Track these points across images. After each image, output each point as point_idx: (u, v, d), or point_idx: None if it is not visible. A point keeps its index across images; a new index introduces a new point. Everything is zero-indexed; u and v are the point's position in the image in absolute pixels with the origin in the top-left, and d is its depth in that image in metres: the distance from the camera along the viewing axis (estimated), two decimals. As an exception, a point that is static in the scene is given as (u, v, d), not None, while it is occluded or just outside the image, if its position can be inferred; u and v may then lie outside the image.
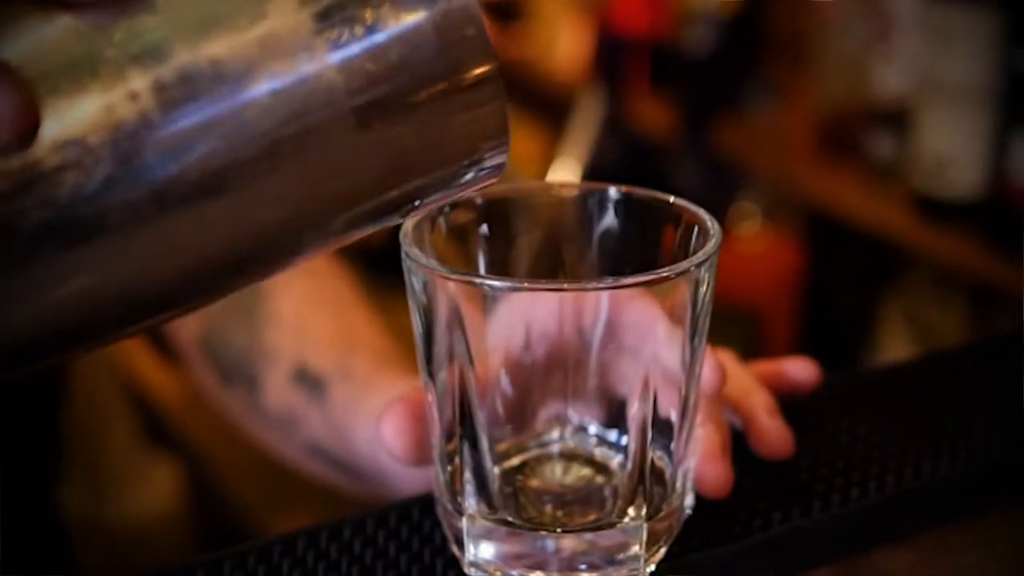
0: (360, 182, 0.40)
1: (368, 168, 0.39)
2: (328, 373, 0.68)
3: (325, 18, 0.38)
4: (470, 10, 0.39)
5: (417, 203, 0.42)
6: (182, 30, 0.37)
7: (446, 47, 0.39)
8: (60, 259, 0.36)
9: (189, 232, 0.37)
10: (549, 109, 1.90)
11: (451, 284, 0.47)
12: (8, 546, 0.81)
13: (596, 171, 1.75)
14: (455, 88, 0.39)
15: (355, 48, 0.38)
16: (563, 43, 2.03)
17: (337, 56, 0.38)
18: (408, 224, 0.48)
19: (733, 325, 1.68)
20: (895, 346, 1.53)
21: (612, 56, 1.81)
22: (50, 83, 0.36)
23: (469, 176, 0.42)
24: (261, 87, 0.37)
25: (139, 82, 0.36)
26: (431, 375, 0.49)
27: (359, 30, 0.38)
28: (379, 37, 0.38)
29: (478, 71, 0.40)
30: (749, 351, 1.60)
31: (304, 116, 0.38)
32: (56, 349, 0.40)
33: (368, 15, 0.38)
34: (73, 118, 0.36)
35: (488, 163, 0.42)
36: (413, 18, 0.38)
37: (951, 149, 1.35)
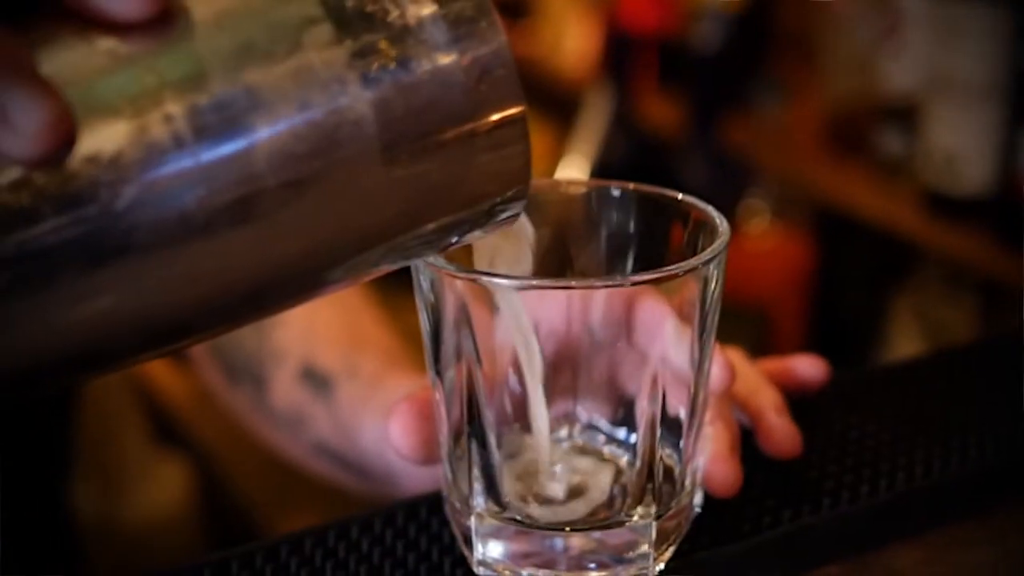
0: (383, 218, 0.40)
1: (391, 204, 0.40)
2: (335, 372, 0.68)
3: (360, 53, 0.38)
4: (502, 53, 0.39)
5: (435, 244, 0.42)
6: (219, 57, 0.37)
7: (476, 89, 0.39)
8: (84, 278, 0.36)
9: (212, 258, 0.38)
10: (557, 106, 1.90)
11: (459, 282, 0.46)
12: (19, 545, 0.81)
13: (604, 168, 1.75)
14: (481, 129, 0.40)
15: (387, 84, 0.38)
16: (571, 40, 2.02)
17: (369, 92, 0.38)
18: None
19: (742, 322, 1.67)
20: (905, 343, 1.52)
21: (620, 53, 1.81)
22: (85, 101, 0.36)
23: (486, 219, 0.42)
24: (293, 118, 0.37)
25: (174, 106, 0.36)
26: (439, 374, 0.49)
27: (392, 67, 0.38)
28: (411, 75, 0.38)
29: (505, 114, 0.40)
30: (758, 349, 1.60)
31: (333, 148, 0.38)
32: (71, 371, 0.40)
33: (402, 53, 0.38)
34: (107, 137, 0.36)
35: (505, 206, 0.42)
36: (445, 59, 0.39)
37: (960, 145, 1.35)
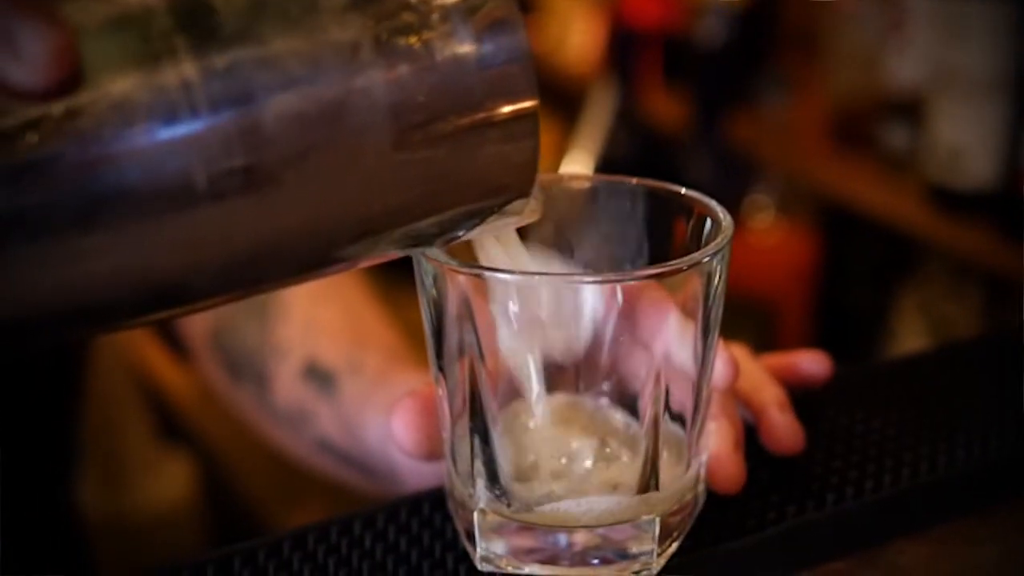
0: (386, 201, 0.40)
1: (396, 188, 0.39)
2: (338, 368, 0.68)
3: (380, 35, 0.38)
4: (521, 46, 0.39)
5: (435, 235, 0.42)
6: (240, 20, 0.37)
7: (491, 79, 0.39)
8: (83, 227, 0.36)
9: (210, 223, 0.37)
10: (561, 102, 1.90)
11: (461, 277, 0.46)
12: (24, 540, 0.81)
13: (608, 164, 1.74)
14: (492, 120, 0.40)
15: (404, 68, 0.38)
16: (575, 36, 2.02)
17: (386, 74, 0.38)
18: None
19: (747, 318, 1.67)
20: (910, 338, 1.52)
21: (624, 49, 1.81)
22: (94, 42, 0.35)
23: (488, 212, 0.42)
24: (304, 79, 0.37)
25: (185, 54, 0.36)
26: (441, 369, 0.49)
27: (408, 42, 0.38)
28: (428, 54, 0.38)
29: (518, 107, 0.40)
30: (763, 344, 1.60)
31: (342, 126, 0.38)
32: (67, 326, 0.39)
33: (420, 29, 0.38)
34: (115, 78, 0.35)
35: (509, 201, 0.42)
36: (464, 44, 0.39)
37: (965, 140, 1.35)
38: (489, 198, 0.42)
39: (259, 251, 0.39)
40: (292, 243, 0.39)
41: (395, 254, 0.43)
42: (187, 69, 0.36)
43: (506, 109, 0.40)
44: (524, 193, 0.42)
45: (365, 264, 0.43)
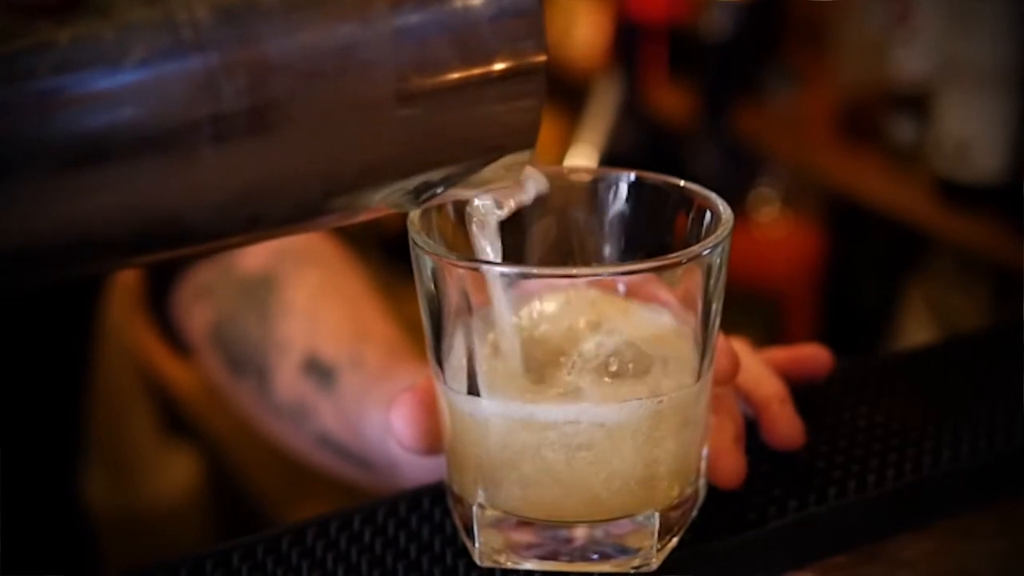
0: (387, 150, 0.40)
1: (394, 139, 0.39)
2: (339, 363, 0.68)
3: None
4: (531, 4, 0.39)
5: (431, 190, 0.42)
6: None
7: (501, 33, 0.39)
8: (86, 156, 0.36)
9: (212, 160, 0.37)
10: (567, 95, 1.89)
11: (459, 271, 0.46)
12: (30, 534, 0.82)
13: (613, 158, 1.74)
14: (499, 75, 0.39)
15: (414, 18, 0.38)
16: (581, 29, 2.02)
17: (395, 21, 0.38)
18: (416, 211, 0.47)
19: (754, 311, 1.67)
20: (917, 331, 1.51)
21: (630, 42, 1.80)
22: None
23: (487, 169, 0.42)
24: (313, 36, 0.37)
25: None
26: (440, 364, 0.48)
27: (422, 2, 0.38)
28: (440, 13, 0.38)
29: (525, 63, 0.40)
30: (769, 338, 1.60)
31: (348, 73, 0.38)
32: (64, 263, 0.39)
33: None
34: (124, 9, 0.35)
35: (509, 160, 0.41)
36: (476, 1, 0.38)
37: (973, 132, 1.34)
38: (487, 154, 0.41)
39: (258, 190, 0.39)
40: (294, 183, 0.39)
41: (390, 208, 0.42)
42: (196, 6, 0.36)
43: (513, 66, 0.39)
44: (529, 145, 0.41)
45: (360, 219, 0.43)
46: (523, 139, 0.41)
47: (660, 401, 0.46)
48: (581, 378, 0.47)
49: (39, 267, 0.38)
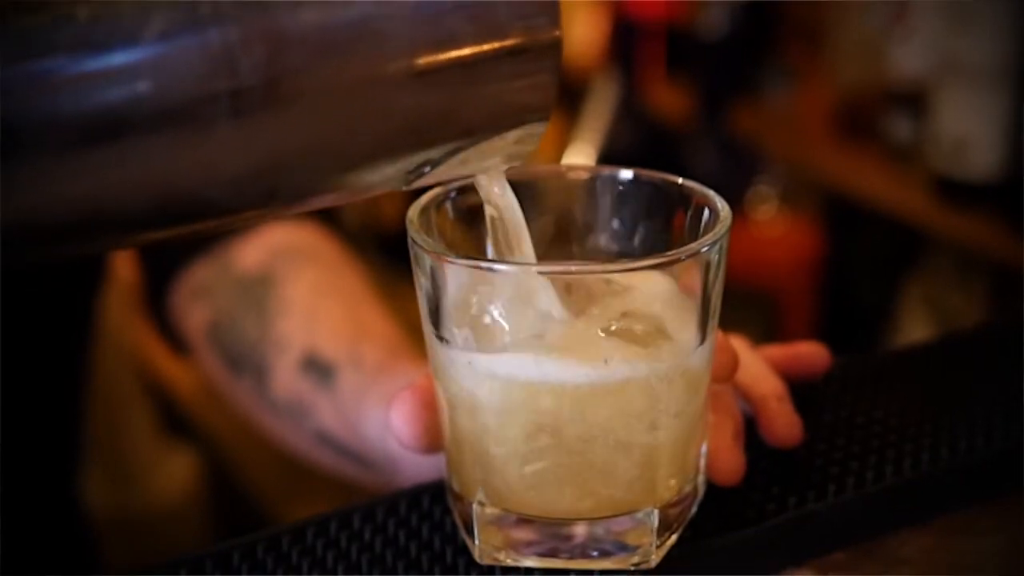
0: (399, 126, 0.40)
1: (409, 113, 0.39)
2: (338, 361, 0.68)
3: None
4: None
5: (438, 166, 0.42)
6: None
7: (516, 9, 0.39)
8: (106, 129, 0.36)
9: (230, 133, 0.37)
10: (564, 94, 1.89)
11: (458, 269, 0.46)
12: (30, 534, 0.82)
13: (611, 156, 1.74)
14: (513, 51, 0.39)
15: None
16: (578, 27, 2.02)
17: None
18: (414, 209, 0.47)
19: (752, 309, 1.67)
20: (915, 329, 1.52)
21: (627, 40, 1.80)
22: None
23: (497, 147, 0.42)
24: (329, 11, 0.37)
25: None
26: (439, 360, 0.48)
27: None
28: None
29: (540, 39, 0.40)
30: (768, 335, 1.60)
31: (364, 47, 0.38)
32: (86, 235, 0.39)
33: None
34: None
35: (520, 137, 0.42)
36: None
37: (970, 130, 1.34)
38: (498, 130, 0.41)
39: (274, 164, 0.39)
40: (310, 157, 0.39)
41: (400, 183, 0.43)
42: None
43: (528, 43, 0.40)
44: (537, 126, 0.42)
45: (375, 192, 0.42)
46: (537, 115, 0.41)
47: (661, 377, 0.46)
48: (580, 339, 0.47)
49: (57, 241, 0.38)
